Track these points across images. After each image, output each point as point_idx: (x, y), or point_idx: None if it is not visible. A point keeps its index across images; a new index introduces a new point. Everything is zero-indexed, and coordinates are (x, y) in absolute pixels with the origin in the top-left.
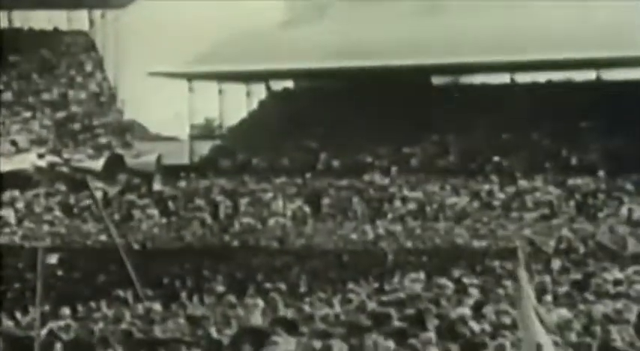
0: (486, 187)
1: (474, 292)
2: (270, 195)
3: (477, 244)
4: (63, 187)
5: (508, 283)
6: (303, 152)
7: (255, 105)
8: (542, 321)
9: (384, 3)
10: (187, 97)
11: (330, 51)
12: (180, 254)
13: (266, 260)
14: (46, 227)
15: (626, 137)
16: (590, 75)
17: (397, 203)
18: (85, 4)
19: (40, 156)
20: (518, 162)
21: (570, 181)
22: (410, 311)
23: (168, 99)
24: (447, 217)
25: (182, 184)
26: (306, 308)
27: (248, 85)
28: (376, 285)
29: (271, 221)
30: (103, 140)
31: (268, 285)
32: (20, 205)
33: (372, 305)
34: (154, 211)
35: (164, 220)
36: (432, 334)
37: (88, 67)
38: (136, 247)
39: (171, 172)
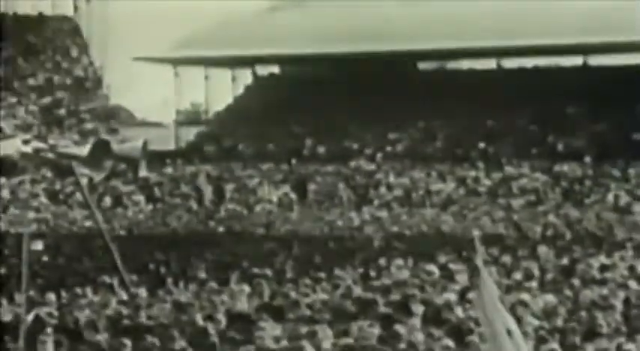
0: (472, 173)
1: (460, 279)
2: (256, 181)
3: (461, 230)
4: (48, 174)
5: (493, 269)
6: (289, 138)
7: (241, 90)
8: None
9: None
10: (173, 82)
11: (316, 36)
12: (166, 240)
13: (252, 246)
14: (31, 214)
15: (612, 123)
16: (576, 60)
17: (383, 189)
18: None
19: (26, 142)
20: (504, 148)
21: (557, 168)
22: (396, 297)
23: (154, 84)
24: (432, 204)
25: (168, 170)
26: (292, 294)
27: (234, 71)
28: (362, 271)
29: (257, 207)
30: (88, 126)
31: (254, 271)
32: (5, 191)
33: (357, 291)
34: (140, 197)
35: (150, 207)
36: (417, 320)
37: (74, 53)
38: (122, 233)
39: (157, 158)
